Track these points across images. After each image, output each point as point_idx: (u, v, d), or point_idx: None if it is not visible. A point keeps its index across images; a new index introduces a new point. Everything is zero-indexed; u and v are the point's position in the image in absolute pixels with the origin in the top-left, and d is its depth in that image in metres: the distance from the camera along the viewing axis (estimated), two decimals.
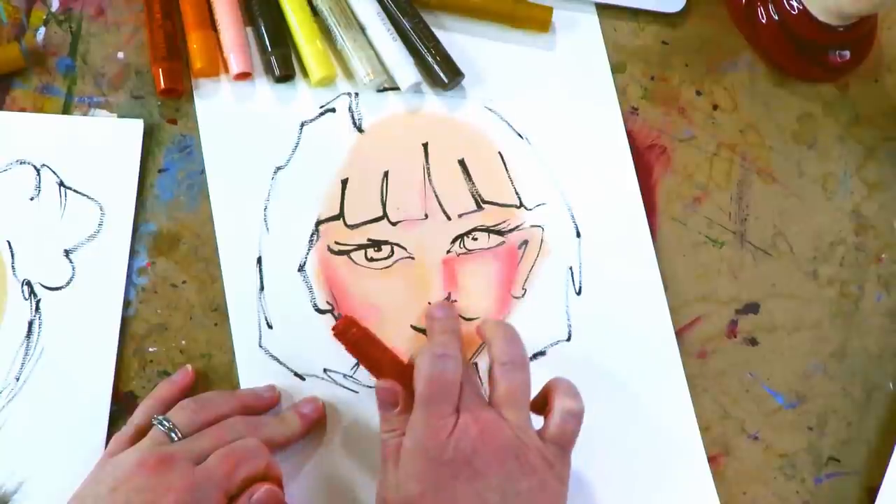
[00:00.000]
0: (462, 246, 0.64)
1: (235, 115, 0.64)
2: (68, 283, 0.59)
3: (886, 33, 0.74)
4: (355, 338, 0.56)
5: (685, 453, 0.62)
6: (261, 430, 0.55)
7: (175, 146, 0.63)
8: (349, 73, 0.66)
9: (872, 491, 0.63)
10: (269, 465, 0.53)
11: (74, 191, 0.61)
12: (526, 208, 0.65)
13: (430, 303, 0.62)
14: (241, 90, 0.65)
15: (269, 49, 0.64)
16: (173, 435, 0.53)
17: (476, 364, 0.62)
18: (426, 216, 0.64)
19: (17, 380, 0.57)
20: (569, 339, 0.63)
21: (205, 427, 0.54)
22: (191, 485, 0.50)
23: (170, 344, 0.60)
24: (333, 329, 0.57)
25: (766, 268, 0.67)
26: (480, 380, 0.60)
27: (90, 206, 0.61)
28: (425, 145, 0.65)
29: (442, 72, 0.66)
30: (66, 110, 0.63)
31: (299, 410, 0.58)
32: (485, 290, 0.63)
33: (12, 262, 0.59)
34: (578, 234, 0.65)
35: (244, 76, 0.64)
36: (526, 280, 0.64)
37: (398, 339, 0.61)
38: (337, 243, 0.63)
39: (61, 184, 0.61)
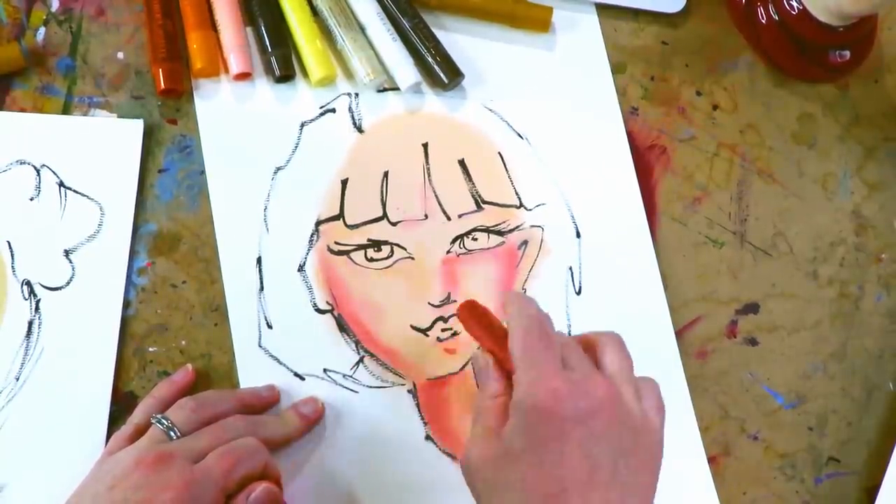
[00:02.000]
0: (462, 246, 0.64)
1: (235, 115, 0.64)
2: (68, 283, 0.59)
3: (886, 33, 0.74)
4: (477, 316, 0.55)
5: (685, 453, 0.62)
6: (260, 430, 0.55)
7: (175, 146, 0.63)
8: (349, 74, 0.66)
9: (872, 491, 0.63)
10: (268, 464, 0.53)
11: (74, 191, 0.61)
12: (526, 208, 0.65)
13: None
14: (241, 90, 0.65)
15: (269, 49, 0.64)
16: (172, 433, 0.53)
17: None
18: (426, 216, 0.64)
19: (17, 380, 0.57)
20: None
21: (204, 426, 0.54)
22: (189, 483, 0.50)
23: (170, 344, 0.60)
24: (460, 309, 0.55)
25: (766, 268, 0.67)
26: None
27: (90, 206, 0.61)
28: (425, 145, 0.65)
29: (442, 72, 0.66)
30: (66, 110, 0.63)
31: (299, 410, 0.58)
32: (485, 291, 0.63)
33: (12, 263, 0.59)
34: (578, 235, 0.65)
35: (244, 76, 0.64)
36: (526, 280, 0.64)
37: (398, 339, 0.62)
38: (337, 243, 0.63)
39: (61, 184, 0.61)
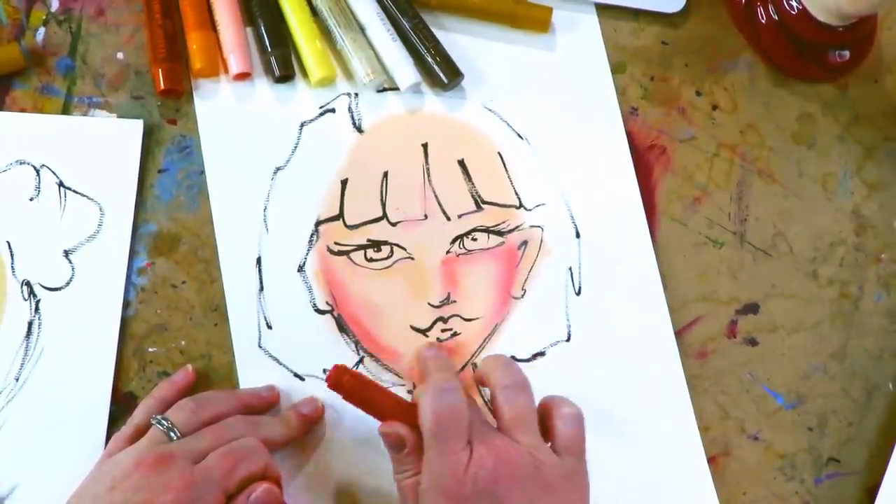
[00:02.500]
0: (462, 246, 0.64)
1: (235, 116, 0.64)
2: (68, 284, 0.59)
3: (886, 34, 0.74)
4: (349, 385, 0.55)
5: (685, 453, 0.62)
6: (260, 430, 0.55)
7: (175, 146, 0.63)
8: (349, 74, 0.66)
9: (872, 491, 0.63)
10: (268, 464, 0.53)
11: (74, 191, 0.61)
12: (525, 209, 0.65)
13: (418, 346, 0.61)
14: (241, 90, 0.65)
15: (269, 49, 0.64)
16: (172, 434, 0.53)
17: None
18: (426, 216, 0.64)
19: (17, 380, 0.57)
20: (568, 339, 0.63)
21: (204, 426, 0.54)
22: (189, 483, 0.50)
23: (170, 344, 0.60)
24: (327, 381, 0.55)
25: (766, 268, 0.67)
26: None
27: (90, 206, 0.61)
28: (425, 145, 0.65)
29: (442, 72, 0.66)
30: (65, 110, 0.63)
31: (299, 410, 0.58)
32: (484, 291, 0.63)
33: (12, 263, 0.59)
34: (578, 235, 0.65)
35: (244, 76, 0.64)
36: (525, 280, 0.64)
37: (398, 339, 0.62)
38: (337, 244, 0.63)
39: (61, 184, 0.61)
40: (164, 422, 0.54)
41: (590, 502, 0.54)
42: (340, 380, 0.55)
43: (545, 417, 0.55)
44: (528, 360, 0.63)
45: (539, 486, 0.52)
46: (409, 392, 0.61)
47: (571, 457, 0.54)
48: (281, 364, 0.60)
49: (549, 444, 0.54)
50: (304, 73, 0.65)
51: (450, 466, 0.52)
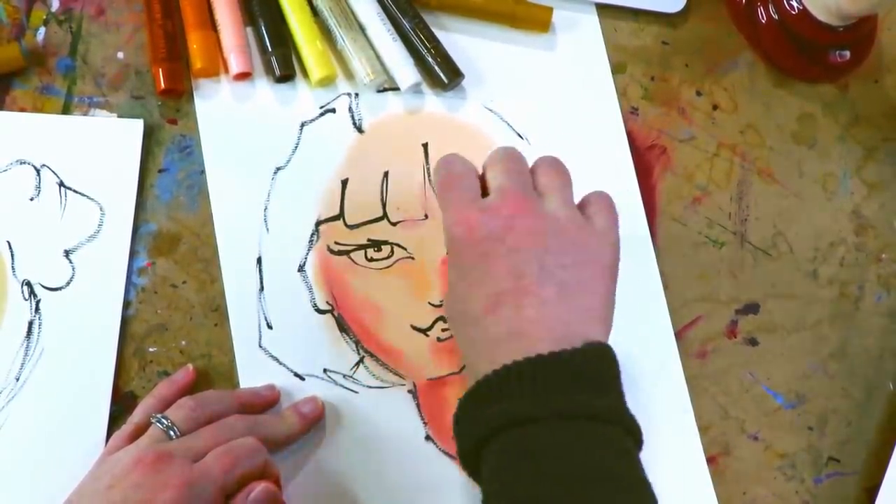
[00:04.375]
0: None
1: (235, 115, 0.64)
2: (68, 284, 0.59)
3: (886, 34, 0.74)
4: None
5: (684, 453, 0.62)
6: (260, 429, 0.55)
7: (175, 146, 0.63)
8: (349, 74, 0.66)
9: (872, 491, 0.63)
10: (267, 464, 0.53)
11: (74, 191, 0.61)
12: None
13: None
14: (241, 90, 0.65)
15: (270, 49, 0.64)
16: (171, 433, 0.53)
17: None
18: (426, 216, 0.64)
19: (17, 380, 0.57)
20: None
21: (203, 425, 0.54)
22: (188, 482, 0.50)
23: (170, 344, 0.60)
24: None
25: (766, 268, 0.67)
26: None
27: (90, 206, 0.61)
28: (425, 146, 0.65)
29: (442, 72, 0.66)
30: (66, 110, 0.63)
31: (299, 410, 0.58)
32: None
33: (12, 263, 0.59)
34: None
35: (244, 76, 0.64)
36: None
37: (399, 339, 0.62)
38: (337, 243, 0.63)
39: (61, 184, 0.61)
40: (163, 421, 0.54)
41: (617, 273, 0.53)
42: None
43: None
44: None
45: (561, 238, 0.51)
46: (410, 392, 0.61)
47: (602, 217, 0.53)
48: (281, 364, 0.60)
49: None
50: (305, 73, 0.65)
51: (459, 214, 0.52)
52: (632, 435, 0.50)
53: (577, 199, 0.55)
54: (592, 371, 0.48)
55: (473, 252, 0.51)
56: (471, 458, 0.50)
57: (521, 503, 0.46)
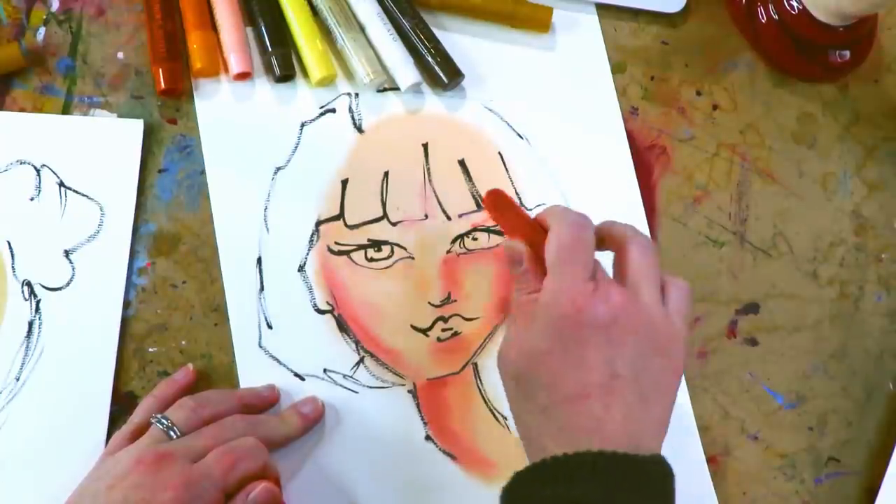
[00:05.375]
0: (462, 246, 0.64)
1: (235, 115, 0.64)
2: (68, 284, 0.59)
3: (886, 34, 0.74)
4: (500, 202, 0.56)
5: (684, 453, 0.62)
6: (260, 429, 0.55)
7: (175, 146, 0.63)
8: (349, 74, 0.66)
9: (872, 491, 0.63)
10: (267, 463, 0.53)
11: (74, 191, 0.61)
12: (526, 208, 0.65)
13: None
14: (241, 90, 0.65)
15: (270, 49, 0.64)
16: (172, 433, 0.53)
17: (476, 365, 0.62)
18: (426, 216, 0.64)
19: (17, 380, 0.57)
20: None
21: (204, 425, 0.54)
22: (188, 482, 0.50)
23: (170, 344, 0.60)
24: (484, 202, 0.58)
25: (766, 268, 0.67)
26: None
27: (90, 206, 0.61)
28: (425, 145, 0.65)
29: (442, 72, 0.66)
30: (66, 110, 0.63)
31: (299, 410, 0.58)
32: (485, 290, 0.63)
33: (12, 263, 0.59)
34: None
35: (244, 76, 0.64)
36: None
37: (398, 339, 0.62)
38: (337, 243, 0.63)
39: (61, 184, 0.61)
40: (164, 421, 0.54)
41: (679, 384, 0.53)
42: (497, 201, 0.56)
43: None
44: None
45: (652, 344, 0.51)
46: (410, 392, 0.61)
47: (682, 325, 0.53)
48: (281, 364, 0.60)
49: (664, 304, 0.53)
50: (305, 73, 0.65)
51: (574, 290, 0.51)
52: None
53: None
54: (658, 482, 0.49)
55: (575, 334, 0.50)
56: None
57: None
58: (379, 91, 0.66)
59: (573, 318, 0.50)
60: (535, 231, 0.55)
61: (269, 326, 0.60)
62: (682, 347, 0.52)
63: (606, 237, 0.55)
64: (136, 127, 0.62)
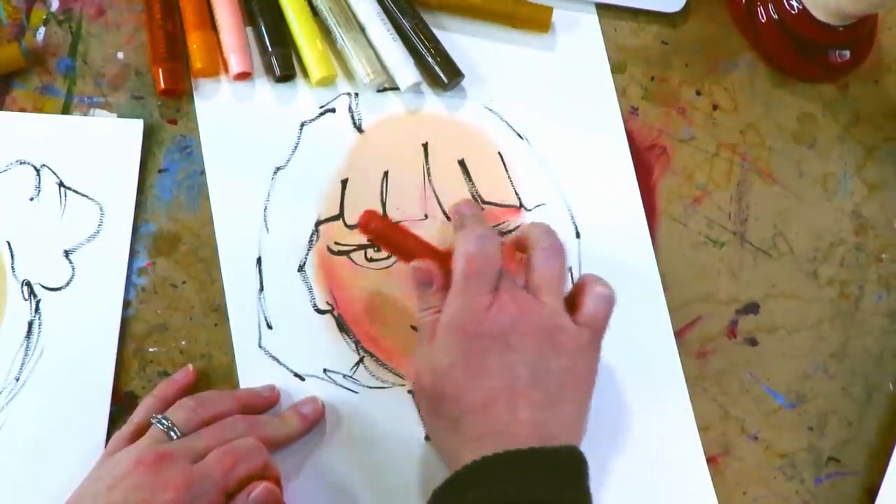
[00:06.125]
0: None
1: (235, 115, 0.64)
2: (68, 284, 0.59)
3: (886, 34, 0.74)
4: (378, 230, 0.57)
5: (684, 453, 0.62)
6: (260, 430, 0.55)
7: (175, 146, 0.63)
8: (349, 74, 0.66)
9: (872, 491, 0.63)
10: (268, 464, 0.53)
11: (74, 191, 0.61)
12: (526, 209, 0.65)
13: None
14: (241, 90, 0.65)
15: (269, 49, 0.64)
16: (172, 433, 0.53)
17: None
18: (426, 216, 0.64)
19: (17, 380, 0.57)
20: None
21: (204, 426, 0.54)
22: (188, 482, 0.50)
23: (170, 344, 0.60)
24: (359, 224, 0.58)
25: (766, 268, 0.67)
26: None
27: (90, 206, 0.61)
28: (425, 145, 0.65)
29: (442, 72, 0.66)
30: (66, 110, 0.63)
31: (299, 410, 0.58)
32: None
33: (12, 263, 0.59)
34: (578, 235, 0.65)
35: (244, 76, 0.64)
36: None
37: (398, 339, 0.61)
38: (337, 244, 0.63)
39: (61, 184, 0.61)
40: (164, 421, 0.54)
41: (595, 381, 0.55)
42: (369, 224, 0.57)
43: (578, 293, 0.56)
44: None
45: (551, 346, 0.53)
46: (410, 392, 0.61)
47: (589, 330, 0.54)
48: (281, 364, 0.60)
49: (574, 314, 0.55)
50: (305, 73, 0.65)
51: (472, 304, 0.53)
52: None
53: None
54: (569, 469, 0.51)
55: (475, 345, 0.53)
56: None
57: None
58: (379, 91, 0.66)
59: (472, 331, 0.53)
60: (431, 251, 0.57)
61: (269, 326, 0.60)
62: (591, 351, 0.55)
63: (521, 242, 0.58)
64: (136, 127, 0.62)
